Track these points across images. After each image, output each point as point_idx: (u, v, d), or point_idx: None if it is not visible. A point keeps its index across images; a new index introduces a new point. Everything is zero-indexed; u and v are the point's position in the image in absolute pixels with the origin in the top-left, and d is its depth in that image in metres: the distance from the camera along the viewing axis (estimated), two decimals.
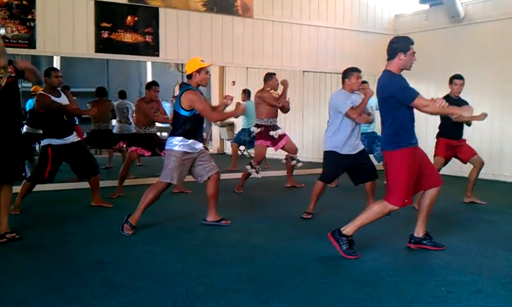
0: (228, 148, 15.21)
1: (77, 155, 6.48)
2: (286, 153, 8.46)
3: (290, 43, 10.23)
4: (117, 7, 8.55)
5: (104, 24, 8.42)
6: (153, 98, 7.82)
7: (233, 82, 14.84)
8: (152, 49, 8.87)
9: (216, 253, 4.78)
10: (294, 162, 8.45)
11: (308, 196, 6.44)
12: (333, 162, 6.13)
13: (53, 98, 6.23)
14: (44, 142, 6.32)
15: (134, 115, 8.45)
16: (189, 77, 5.61)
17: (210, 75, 5.59)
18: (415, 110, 4.50)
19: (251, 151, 10.80)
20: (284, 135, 8.23)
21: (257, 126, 8.22)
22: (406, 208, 4.67)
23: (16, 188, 5.85)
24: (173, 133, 5.56)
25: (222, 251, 4.88)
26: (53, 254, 4.70)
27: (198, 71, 5.57)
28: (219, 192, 5.83)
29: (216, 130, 15.72)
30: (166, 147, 5.57)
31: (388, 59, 4.67)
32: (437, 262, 4.46)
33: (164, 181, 5.49)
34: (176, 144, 5.48)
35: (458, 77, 7.00)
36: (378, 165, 9.30)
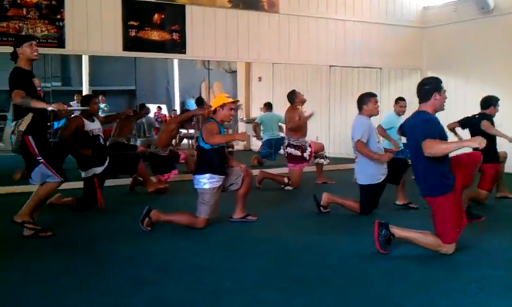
0: (254, 145, 15.22)
1: (112, 167, 6.68)
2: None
3: (316, 37, 10.18)
4: (144, 6, 8.64)
5: (131, 22, 8.50)
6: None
7: (260, 78, 14.85)
8: (179, 46, 8.93)
9: (242, 249, 4.80)
10: (317, 161, 8.46)
11: (336, 192, 6.41)
12: (370, 196, 6.03)
13: (89, 123, 6.44)
14: (88, 173, 6.42)
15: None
16: (214, 112, 5.60)
17: (234, 112, 5.59)
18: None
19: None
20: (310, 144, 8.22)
21: (290, 146, 8.07)
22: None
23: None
24: (199, 171, 5.49)
25: (248, 246, 4.89)
26: (82, 250, 4.76)
27: (222, 106, 5.54)
28: (249, 191, 5.82)
29: (242, 126, 15.75)
30: (196, 186, 5.54)
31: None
32: (466, 258, 4.39)
33: (202, 217, 5.46)
34: (206, 182, 5.44)
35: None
36: None
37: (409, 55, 11.23)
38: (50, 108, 4.89)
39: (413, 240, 4.45)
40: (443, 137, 4.35)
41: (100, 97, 12.94)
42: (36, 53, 5.03)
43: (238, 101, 5.62)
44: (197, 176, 5.49)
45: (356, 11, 10.57)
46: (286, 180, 8.12)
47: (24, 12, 7.75)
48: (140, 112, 9.65)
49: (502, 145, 6.84)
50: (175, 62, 15.54)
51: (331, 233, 5.38)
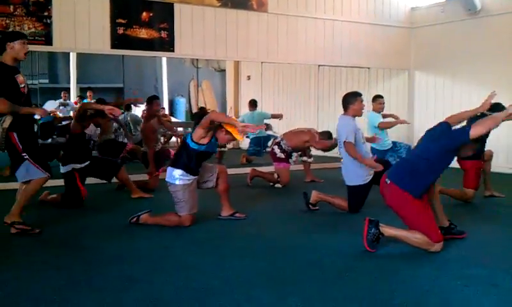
0: (243, 143, 15.22)
1: (93, 168, 6.71)
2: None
3: (305, 37, 10.20)
4: (132, 3, 8.61)
5: (120, 20, 8.47)
6: (155, 113, 7.88)
7: (248, 77, 14.84)
8: (167, 45, 8.91)
9: (231, 247, 4.80)
10: (304, 159, 8.55)
11: (325, 190, 6.43)
12: (358, 196, 6.04)
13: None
14: (67, 168, 6.43)
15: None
16: (212, 127, 5.38)
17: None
18: None
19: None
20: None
21: (279, 145, 8.16)
22: None
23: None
24: (175, 164, 5.44)
25: (237, 245, 4.89)
26: (70, 249, 4.74)
27: (226, 132, 5.34)
28: (229, 187, 5.81)
29: None
30: (167, 179, 5.48)
31: None
32: (453, 255, 4.44)
33: (183, 214, 5.43)
34: (177, 177, 5.38)
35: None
36: None
37: (397, 56, 11.30)
38: (36, 116, 4.90)
39: (402, 238, 4.47)
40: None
41: (88, 93, 12.89)
42: (25, 54, 5.01)
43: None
44: (170, 168, 5.44)
45: (344, 11, 10.61)
46: (276, 176, 8.16)
47: (11, 9, 7.69)
48: (117, 101, 9.62)
49: (487, 144, 6.90)
50: (164, 60, 15.47)
51: (319, 231, 5.40)
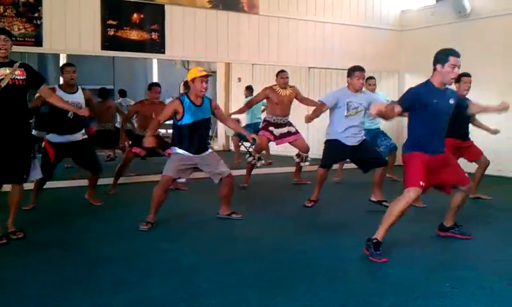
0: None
1: (79, 153, 6.45)
2: (298, 151, 8.49)
3: (295, 39, 10.22)
4: (123, 5, 8.58)
5: (110, 22, 8.44)
6: (154, 101, 7.72)
7: (239, 79, 14.85)
8: (158, 46, 8.89)
9: (224, 249, 4.81)
10: (298, 160, 8.52)
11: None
12: (331, 149, 6.30)
13: (65, 94, 6.16)
14: (41, 134, 6.37)
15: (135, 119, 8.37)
16: (186, 86, 5.67)
17: (206, 84, 5.60)
18: None
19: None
20: (293, 134, 8.27)
21: (264, 120, 8.43)
22: (415, 209, 4.66)
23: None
24: (172, 144, 5.76)
25: (230, 247, 4.91)
26: (63, 251, 4.73)
27: (193, 80, 5.56)
28: (232, 193, 5.90)
29: (221, 127, 15.73)
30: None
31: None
32: (442, 258, 4.47)
33: (166, 174, 5.56)
34: (176, 148, 5.64)
35: (467, 74, 6.81)
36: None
37: (388, 58, 11.35)
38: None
39: (391, 221, 4.43)
40: (418, 109, 4.53)
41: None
42: (3, 51, 4.88)
43: (210, 75, 5.62)
44: (172, 148, 5.72)
45: (335, 14, 10.65)
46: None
47: (1, 10, 7.64)
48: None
49: (487, 147, 7.10)
50: (154, 62, 15.46)
51: (311, 233, 5.42)
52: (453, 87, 6.83)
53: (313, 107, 7.28)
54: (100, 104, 9.44)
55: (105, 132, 9.54)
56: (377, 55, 11.06)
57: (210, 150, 5.90)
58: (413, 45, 11.31)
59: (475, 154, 6.97)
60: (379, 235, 4.42)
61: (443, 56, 4.54)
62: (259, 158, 8.22)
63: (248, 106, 8.60)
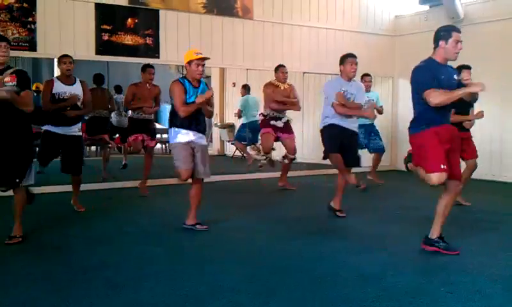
0: (229, 149, 15.22)
1: (69, 147, 6.36)
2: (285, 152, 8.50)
3: (290, 44, 10.25)
4: (117, 10, 8.58)
5: (104, 26, 8.44)
6: (149, 82, 7.68)
7: (234, 84, 14.86)
8: (152, 51, 8.89)
9: (215, 253, 4.80)
10: (285, 161, 8.51)
11: (305, 198, 6.46)
12: (329, 133, 6.17)
13: (64, 85, 6.23)
14: (43, 128, 6.33)
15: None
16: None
17: (202, 68, 5.57)
18: None
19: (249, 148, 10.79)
20: (288, 131, 8.29)
21: (261, 115, 8.41)
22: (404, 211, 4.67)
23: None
24: (170, 124, 5.66)
25: (222, 251, 4.90)
26: (55, 255, 4.72)
27: (189, 63, 5.55)
28: (200, 197, 5.72)
29: (216, 131, 15.74)
30: (169, 140, 5.76)
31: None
32: (436, 263, 4.48)
33: (179, 169, 5.52)
34: (172, 136, 5.59)
35: (467, 67, 6.85)
36: (366, 167, 9.40)
37: (381, 63, 11.39)
38: None
39: (445, 216, 4.58)
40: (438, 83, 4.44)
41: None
42: (2, 58, 4.91)
43: (207, 58, 5.60)
44: (169, 129, 5.69)
45: (329, 19, 10.68)
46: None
47: None
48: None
49: (481, 151, 7.12)
50: None
51: (303, 237, 5.42)
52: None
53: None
54: (95, 91, 9.35)
55: (99, 119, 9.41)
56: (371, 60, 11.07)
57: (205, 142, 5.82)
58: (407, 50, 11.35)
59: (472, 152, 6.88)
60: (434, 233, 4.60)
61: (445, 33, 4.56)
62: (268, 157, 8.27)
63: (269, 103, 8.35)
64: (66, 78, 6.34)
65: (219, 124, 15.50)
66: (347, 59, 6.21)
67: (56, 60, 11.61)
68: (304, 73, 11.07)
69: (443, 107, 4.53)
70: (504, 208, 7.17)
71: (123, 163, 10.68)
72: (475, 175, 7.10)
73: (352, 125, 6.24)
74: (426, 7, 11.20)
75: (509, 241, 5.34)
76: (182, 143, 5.52)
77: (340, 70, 6.28)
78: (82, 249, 4.95)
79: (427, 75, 4.49)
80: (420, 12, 11.27)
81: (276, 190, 8.54)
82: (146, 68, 7.86)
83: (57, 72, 6.51)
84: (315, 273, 4.20)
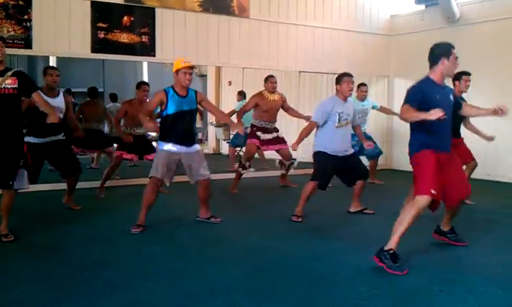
0: (224, 148, 15.22)
1: (57, 153, 6.30)
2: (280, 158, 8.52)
3: (286, 43, 10.25)
4: (113, 8, 8.55)
5: (100, 24, 8.42)
6: (143, 99, 7.57)
7: (230, 83, 14.85)
8: (148, 49, 8.88)
9: (214, 252, 4.82)
10: (280, 167, 8.55)
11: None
12: (321, 161, 6.15)
13: (47, 98, 5.93)
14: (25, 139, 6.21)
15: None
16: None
17: (190, 76, 5.61)
18: None
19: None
20: (280, 142, 8.30)
21: (251, 125, 8.37)
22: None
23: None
24: (159, 138, 5.74)
25: (220, 250, 4.92)
26: (53, 255, 4.71)
27: (177, 72, 5.59)
28: (209, 196, 5.92)
29: (211, 130, 15.73)
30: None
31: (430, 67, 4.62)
32: (430, 261, 4.50)
33: (151, 175, 5.60)
34: (161, 144, 5.65)
35: (467, 73, 6.91)
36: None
37: (377, 62, 11.41)
38: None
39: (403, 229, 4.31)
40: (424, 106, 4.33)
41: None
42: None
43: (193, 67, 5.64)
44: (158, 144, 5.76)
45: (325, 18, 10.69)
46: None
47: None
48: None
49: (477, 151, 7.17)
50: (145, 65, 15.43)
51: (300, 237, 5.43)
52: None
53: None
54: (88, 103, 9.33)
55: (91, 132, 9.36)
56: (367, 59, 11.12)
57: (198, 147, 5.87)
58: (403, 49, 11.38)
59: (465, 154, 6.90)
60: (392, 244, 4.27)
61: (445, 51, 4.56)
62: (249, 166, 8.22)
63: (240, 116, 8.32)
64: (50, 91, 6.22)
65: (214, 123, 15.49)
66: (343, 78, 6.16)
67: (51, 58, 11.68)
68: (300, 72, 11.07)
69: (441, 130, 4.48)
70: (498, 207, 7.19)
71: (92, 165, 10.63)
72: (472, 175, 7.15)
73: (346, 150, 6.22)
74: (422, 6, 11.22)
75: (505, 241, 5.35)
76: (163, 151, 5.61)
77: (336, 89, 6.19)
78: (80, 248, 4.94)
79: (416, 95, 4.45)
80: (416, 12, 11.29)
81: (273, 188, 8.55)
82: (140, 85, 7.80)
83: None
84: (314, 272, 4.20)
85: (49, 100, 5.94)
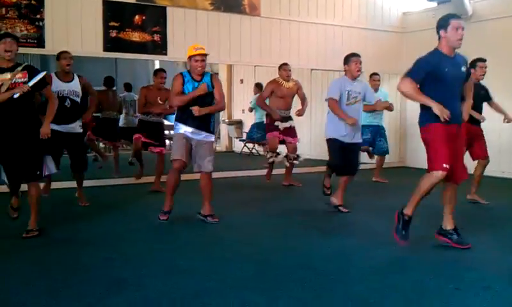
0: (237, 146, 15.24)
1: (72, 145, 6.40)
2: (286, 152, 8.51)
3: (297, 41, 10.23)
4: (125, 7, 8.60)
5: (112, 23, 8.46)
6: (160, 86, 7.71)
7: (241, 81, 14.88)
8: (160, 48, 8.91)
9: (223, 250, 4.80)
10: (287, 163, 8.48)
11: (311, 194, 6.46)
12: (334, 148, 6.17)
13: (62, 82, 6.23)
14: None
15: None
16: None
17: (203, 63, 5.64)
18: None
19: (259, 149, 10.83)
20: (293, 134, 8.28)
21: (266, 115, 8.39)
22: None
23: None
24: (175, 118, 5.84)
25: (229, 247, 4.90)
26: (60, 252, 4.72)
27: (189, 58, 5.65)
28: (210, 191, 5.83)
29: (224, 128, 15.75)
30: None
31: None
32: (445, 259, 4.46)
33: (172, 157, 5.66)
34: (176, 129, 5.76)
35: (482, 59, 6.84)
36: (372, 164, 9.39)
37: (389, 60, 11.34)
38: (16, 95, 4.81)
39: (420, 197, 4.49)
40: (430, 79, 4.46)
41: None
42: (8, 53, 4.93)
43: (205, 54, 5.67)
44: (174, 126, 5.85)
45: (336, 16, 10.65)
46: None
47: (3, 12, 7.67)
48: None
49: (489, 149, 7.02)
50: (157, 63, 15.48)
51: (310, 234, 5.41)
52: None
53: None
54: (105, 92, 9.43)
55: (109, 121, 9.48)
56: (379, 57, 11.05)
57: (211, 138, 5.84)
58: (415, 46, 11.25)
59: (480, 149, 6.80)
60: (409, 210, 4.52)
61: (443, 22, 4.57)
62: (277, 154, 8.24)
63: (262, 104, 8.34)
64: (65, 75, 6.33)
65: (227, 121, 15.52)
66: (351, 58, 6.24)
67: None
68: (312, 70, 11.05)
69: (450, 102, 4.47)
70: None
71: (130, 159, 10.69)
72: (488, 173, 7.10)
73: (354, 138, 6.20)
74: (434, 4, 11.15)
75: None
76: (179, 133, 5.67)
77: (345, 70, 6.28)
78: (86, 246, 4.94)
79: (421, 69, 4.54)
80: (428, 9, 11.22)
81: (282, 186, 8.54)
82: (157, 72, 7.93)
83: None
84: (323, 270, 4.18)
85: (64, 85, 6.24)
